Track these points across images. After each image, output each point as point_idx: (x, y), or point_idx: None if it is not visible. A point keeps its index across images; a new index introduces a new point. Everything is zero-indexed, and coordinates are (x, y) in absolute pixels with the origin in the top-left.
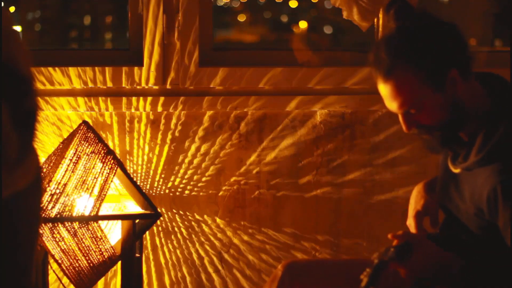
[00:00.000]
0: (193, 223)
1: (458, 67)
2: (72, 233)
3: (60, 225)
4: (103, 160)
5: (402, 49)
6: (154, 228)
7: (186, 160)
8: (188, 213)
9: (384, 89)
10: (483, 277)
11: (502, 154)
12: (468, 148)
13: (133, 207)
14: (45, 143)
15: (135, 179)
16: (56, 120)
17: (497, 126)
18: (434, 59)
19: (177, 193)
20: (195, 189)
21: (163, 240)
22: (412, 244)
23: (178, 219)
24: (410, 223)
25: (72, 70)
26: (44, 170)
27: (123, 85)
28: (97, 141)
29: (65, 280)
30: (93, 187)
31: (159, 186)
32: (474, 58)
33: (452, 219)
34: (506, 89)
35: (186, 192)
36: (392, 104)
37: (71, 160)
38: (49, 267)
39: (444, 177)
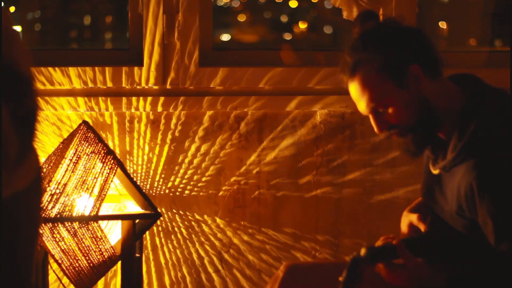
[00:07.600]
0: (193, 223)
1: (421, 64)
2: (72, 233)
3: (60, 225)
4: (103, 160)
5: (364, 48)
6: (154, 228)
7: (186, 160)
8: (188, 213)
9: (351, 89)
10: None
11: (475, 150)
12: (445, 147)
13: (133, 207)
14: (45, 143)
15: (135, 179)
16: (56, 120)
17: (469, 123)
18: (393, 54)
19: (177, 193)
20: (195, 189)
21: (163, 240)
22: (396, 248)
23: (178, 219)
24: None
25: (72, 70)
26: (44, 170)
27: (123, 85)
28: (97, 141)
29: (65, 280)
30: (93, 187)
31: (159, 186)
32: (442, 60)
33: (438, 221)
34: (479, 86)
35: (186, 192)
36: (360, 103)
37: (71, 160)
38: (49, 267)
39: (427, 181)
